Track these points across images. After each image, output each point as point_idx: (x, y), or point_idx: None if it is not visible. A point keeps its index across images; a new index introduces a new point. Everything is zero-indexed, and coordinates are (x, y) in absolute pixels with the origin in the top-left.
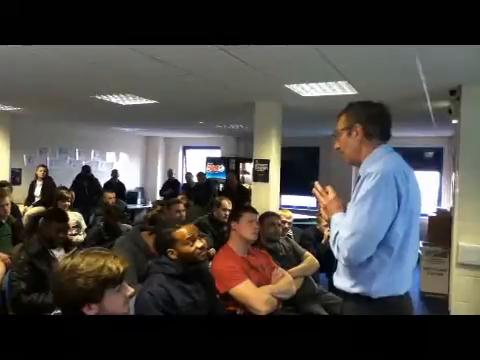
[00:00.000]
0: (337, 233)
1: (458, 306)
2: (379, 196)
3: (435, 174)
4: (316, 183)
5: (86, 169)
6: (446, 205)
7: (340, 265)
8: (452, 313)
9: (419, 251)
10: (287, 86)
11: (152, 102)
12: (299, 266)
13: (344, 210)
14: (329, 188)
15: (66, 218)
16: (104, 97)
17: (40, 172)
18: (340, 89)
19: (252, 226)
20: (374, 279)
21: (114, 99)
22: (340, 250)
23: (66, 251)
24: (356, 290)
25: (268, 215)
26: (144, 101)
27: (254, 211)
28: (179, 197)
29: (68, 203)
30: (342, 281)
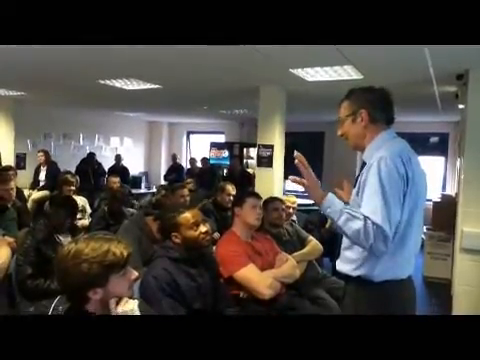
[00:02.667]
0: (366, 219)
1: (461, 291)
2: (391, 182)
3: (440, 159)
4: (297, 153)
5: (91, 156)
6: (451, 191)
7: (343, 249)
8: (454, 298)
9: (423, 236)
10: (292, 71)
11: (156, 87)
12: (303, 251)
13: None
14: (345, 182)
15: (75, 205)
16: (108, 82)
17: (40, 157)
18: (345, 73)
19: (255, 211)
20: (377, 262)
21: (118, 84)
22: (375, 240)
23: (72, 236)
24: (358, 273)
25: (272, 200)
26: (148, 86)
27: (258, 196)
28: (187, 181)
29: (73, 188)
30: (344, 264)
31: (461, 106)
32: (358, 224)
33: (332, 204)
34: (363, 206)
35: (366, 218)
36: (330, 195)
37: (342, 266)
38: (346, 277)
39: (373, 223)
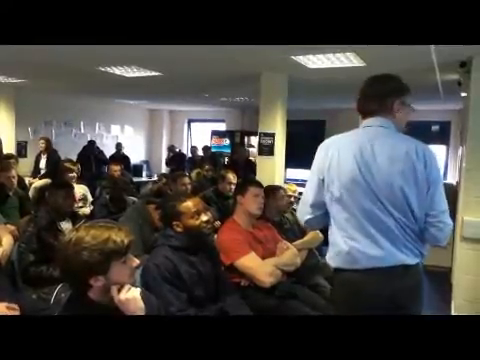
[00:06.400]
0: None
1: (461, 279)
2: (312, 166)
3: (442, 148)
4: None
5: (91, 143)
6: (452, 179)
7: None
8: (454, 286)
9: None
10: (293, 57)
11: (156, 74)
12: (303, 239)
13: None
14: None
15: (71, 185)
16: (108, 69)
17: (41, 145)
18: (347, 60)
19: (257, 200)
20: (329, 248)
21: (118, 71)
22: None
23: (73, 224)
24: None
25: (273, 188)
26: (148, 73)
27: (260, 185)
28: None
29: (74, 175)
30: None
31: (463, 94)
32: None
33: None
34: None
35: None
36: None
37: None
38: None
39: None
